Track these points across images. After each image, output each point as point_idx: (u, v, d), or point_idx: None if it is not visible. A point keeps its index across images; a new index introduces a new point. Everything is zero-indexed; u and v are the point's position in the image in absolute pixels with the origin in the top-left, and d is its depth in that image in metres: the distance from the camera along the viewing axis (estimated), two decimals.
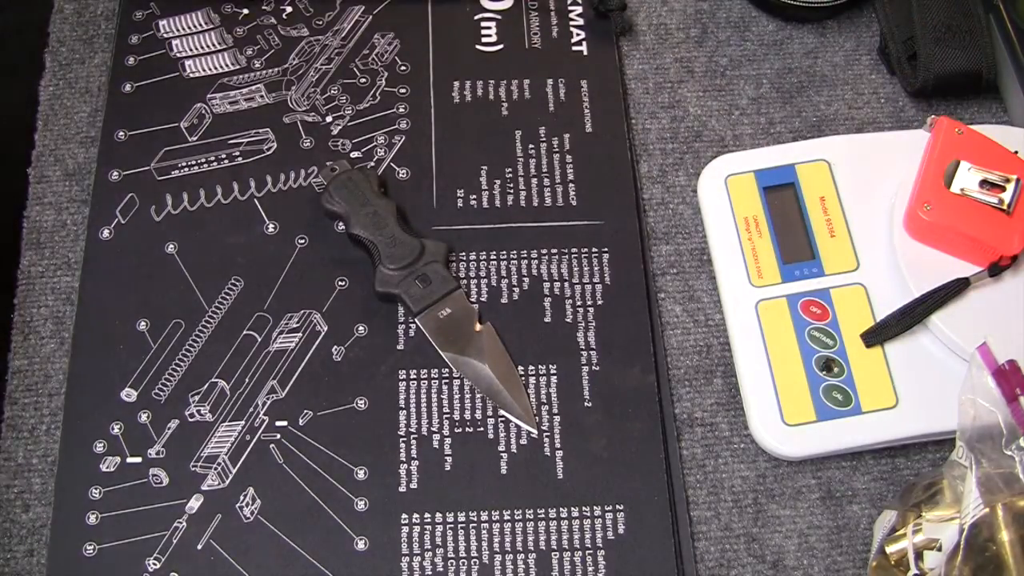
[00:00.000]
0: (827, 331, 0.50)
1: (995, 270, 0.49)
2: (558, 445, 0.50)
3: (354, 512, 0.48)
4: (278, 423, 0.50)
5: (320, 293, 0.52)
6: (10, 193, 0.55)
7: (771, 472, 0.50)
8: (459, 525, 0.48)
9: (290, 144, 0.56)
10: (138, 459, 0.49)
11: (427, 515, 0.48)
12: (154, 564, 0.47)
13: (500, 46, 0.60)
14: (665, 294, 0.54)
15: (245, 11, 0.60)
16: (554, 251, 0.54)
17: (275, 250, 0.54)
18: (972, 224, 0.49)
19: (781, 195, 0.54)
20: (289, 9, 0.60)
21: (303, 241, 0.54)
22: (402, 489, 0.49)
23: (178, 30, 0.59)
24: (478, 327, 0.51)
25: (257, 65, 0.58)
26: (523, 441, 0.50)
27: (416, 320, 0.51)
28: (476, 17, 0.60)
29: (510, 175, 0.56)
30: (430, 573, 0.47)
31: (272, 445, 0.49)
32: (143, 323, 0.52)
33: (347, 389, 0.50)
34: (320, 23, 0.60)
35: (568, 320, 0.52)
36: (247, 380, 0.51)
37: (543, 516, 0.48)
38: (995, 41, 0.57)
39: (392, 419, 0.50)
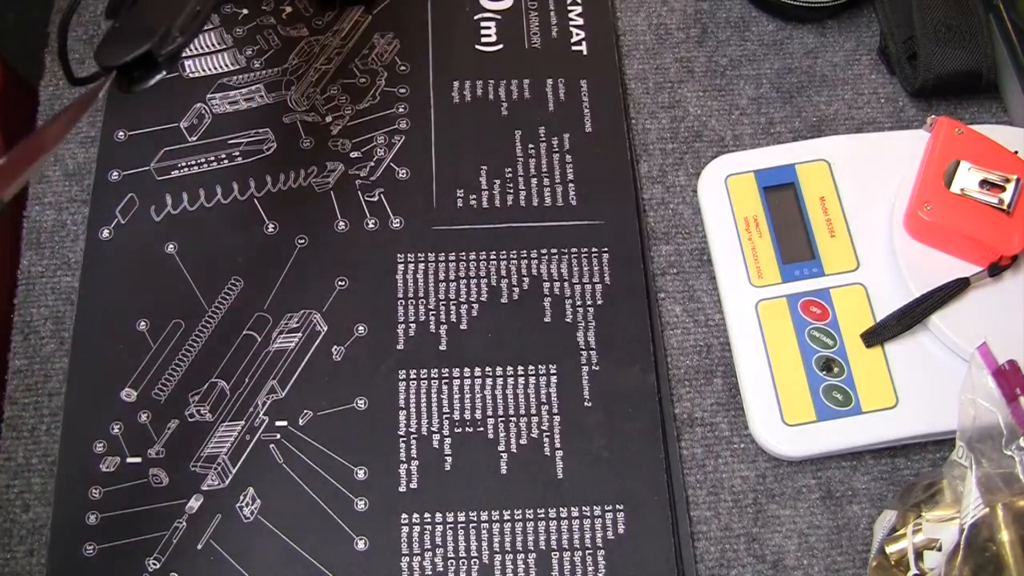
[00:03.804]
0: (827, 331, 0.50)
1: (995, 270, 0.49)
2: (558, 445, 0.50)
3: (354, 512, 0.48)
4: (278, 423, 0.50)
5: (320, 293, 0.53)
6: None
7: (771, 472, 0.50)
8: (459, 525, 0.48)
9: (290, 144, 0.56)
10: (138, 459, 0.49)
11: (427, 515, 0.48)
12: (154, 564, 0.47)
13: (500, 46, 0.60)
14: (665, 294, 0.54)
15: (245, 11, 0.60)
16: (554, 251, 0.54)
17: (275, 250, 0.54)
18: (972, 224, 0.49)
19: (781, 195, 0.54)
20: (289, 9, 0.60)
21: (303, 241, 0.54)
22: (402, 489, 0.49)
23: None
24: None
25: (257, 65, 0.58)
26: (523, 441, 0.50)
27: None
28: (476, 17, 0.60)
29: (510, 175, 0.56)
30: (430, 573, 0.47)
31: (272, 445, 0.49)
32: (143, 323, 0.52)
33: (347, 389, 0.50)
34: (320, 23, 0.60)
35: (568, 320, 0.52)
36: (247, 380, 0.51)
37: (543, 516, 0.48)
38: (995, 41, 0.57)
39: (392, 419, 0.50)
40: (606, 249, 0.54)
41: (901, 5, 0.58)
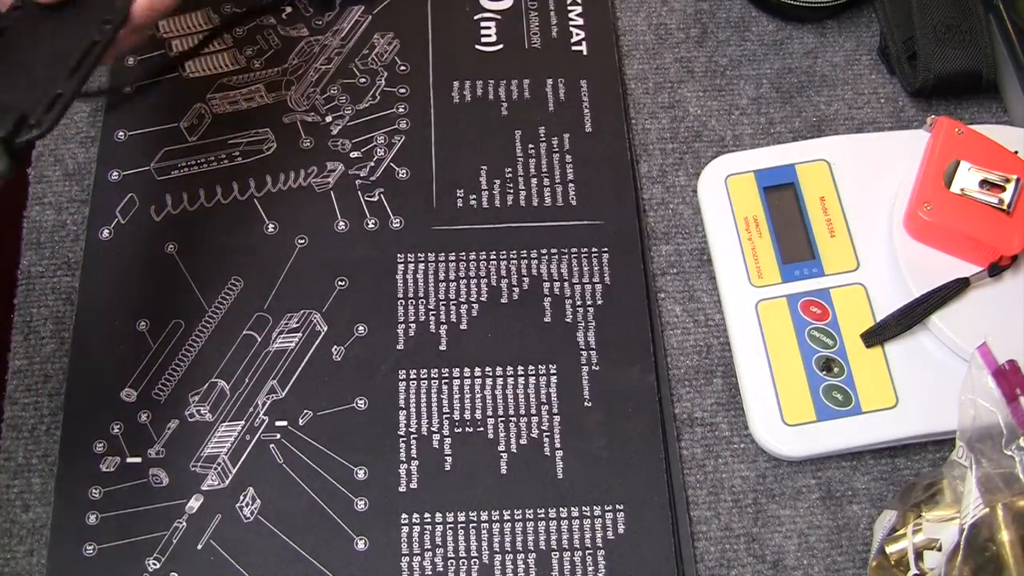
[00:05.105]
0: (827, 331, 0.50)
1: (995, 270, 0.49)
2: (558, 445, 0.50)
3: (354, 512, 0.48)
4: (278, 423, 0.50)
5: (320, 293, 0.52)
6: (10, 193, 0.55)
7: (771, 472, 0.50)
8: (459, 525, 0.48)
9: (290, 144, 0.56)
10: (138, 459, 0.49)
11: (427, 515, 0.48)
12: (154, 564, 0.47)
13: (500, 46, 0.60)
14: (665, 294, 0.54)
15: (245, 11, 0.60)
16: (554, 251, 0.54)
17: (275, 250, 0.54)
18: (972, 224, 0.49)
19: (781, 195, 0.54)
20: (289, 9, 0.60)
21: (303, 241, 0.54)
22: (402, 489, 0.49)
23: (178, 30, 0.59)
24: None
25: (257, 65, 0.58)
26: (523, 441, 0.50)
27: None
28: (476, 17, 0.60)
29: (510, 175, 0.56)
30: (430, 573, 0.47)
31: (272, 445, 0.49)
32: (143, 323, 0.52)
33: (347, 389, 0.50)
34: (320, 23, 0.60)
35: (568, 320, 0.52)
36: (247, 380, 0.51)
37: (543, 516, 0.48)
38: (995, 41, 0.57)
39: (392, 419, 0.50)
40: (606, 249, 0.54)
41: (901, 5, 0.58)
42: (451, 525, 0.48)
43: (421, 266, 0.53)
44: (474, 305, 0.52)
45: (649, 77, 0.59)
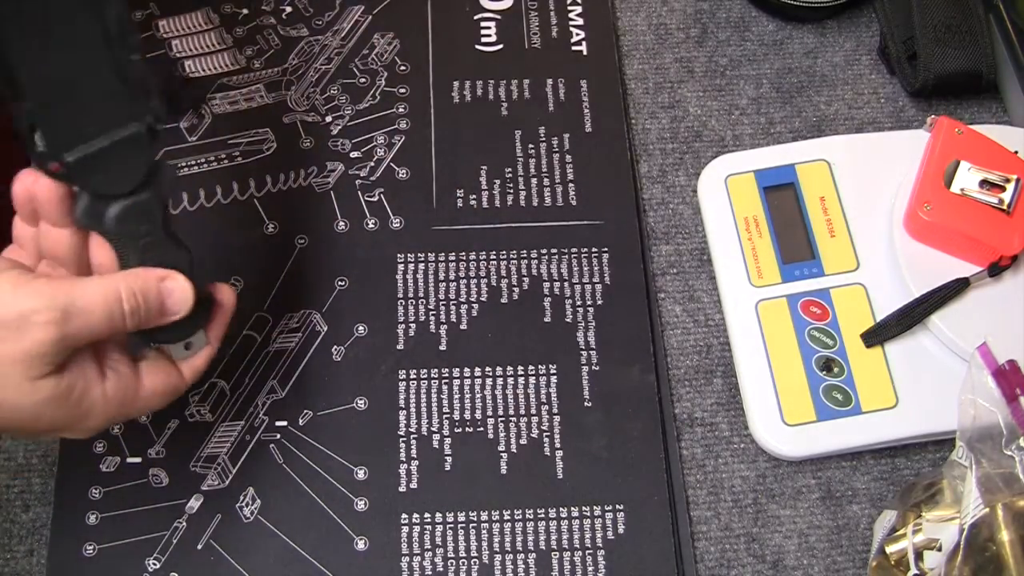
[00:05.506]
0: (827, 331, 0.50)
1: (995, 270, 0.49)
2: (558, 445, 0.50)
3: (354, 512, 0.48)
4: (278, 423, 0.50)
5: (320, 293, 0.52)
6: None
7: (771, 472, 0.50)
8: (459, 525, 0.48)
9: (290, 144, 0.56)
10: (138, 459, 0.49)
11: (427, 515, 0.48)
12: (154, 564, 0.47)
13: (500, 46, 0.60)
14: (665, 294, 0.54)
15: (245, 11, 0.60)
16: (554, 251, 0.54)
17: (275, 250, 0.54)
18: (972, 224, 0.49)
19: (781, 195, 0.54)
20: (289, 9, 0.60)
21: (303, 241, 0.54)
22: (402, 489, 0.49)
23: (178, 30, 0.59)
24: None
25: (257, 65, 0.58)
26: (523, 441, 0.50)
27: None
28: (476, 17, 0.60)
29: (510, 175, 0.56)
30: (430, 573, 0.47)
31: (272, 445, 0.49)
32: None
33: (347, 389, 0.50)
34: (320, 23, 0.60)
35: (568, 320, 0.52)
36: (247, 380, 0.51)
37: (543, 516, 0.48)
38: (995, 41, 0.57)
39: (392, 419, 0.50)
40: (606, 249, 0.54)
41: (901, 5, 0.58)
42: (451, 525, 0.48)
43: (421, 266, 0.53)
44: (474, 305, 0.52)
45: (649, 77, 0.59)
